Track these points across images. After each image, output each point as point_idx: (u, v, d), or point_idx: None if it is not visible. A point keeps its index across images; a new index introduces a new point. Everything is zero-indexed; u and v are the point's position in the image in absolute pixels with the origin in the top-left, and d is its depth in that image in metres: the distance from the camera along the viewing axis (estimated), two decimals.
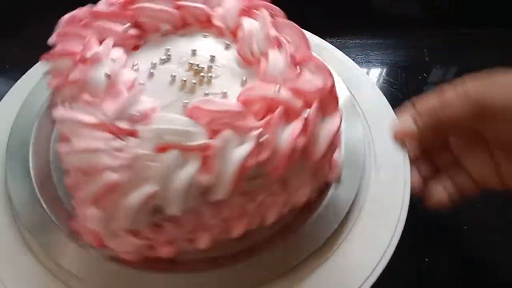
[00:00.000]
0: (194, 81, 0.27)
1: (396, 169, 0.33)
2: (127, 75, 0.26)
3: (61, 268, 0.27)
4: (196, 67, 0.28)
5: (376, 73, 0.56)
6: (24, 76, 0.37)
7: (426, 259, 0.38)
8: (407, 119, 0.34)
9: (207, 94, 0.27)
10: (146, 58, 0.29)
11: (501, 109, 0.30)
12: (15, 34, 0.55)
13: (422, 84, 0.55)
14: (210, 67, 0.28)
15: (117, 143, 0.23)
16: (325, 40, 0.45)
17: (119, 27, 0.29)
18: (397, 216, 0.30)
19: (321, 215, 0.30)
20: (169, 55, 0.29)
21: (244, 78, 0.28)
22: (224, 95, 0.27)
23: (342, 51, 0.44)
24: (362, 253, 0.29)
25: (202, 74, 0.28)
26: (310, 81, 0.27)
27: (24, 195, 0.30)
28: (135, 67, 0.28)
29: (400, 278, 0.36)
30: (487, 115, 0.30)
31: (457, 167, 0.35)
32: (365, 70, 0.56)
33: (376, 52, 0.58)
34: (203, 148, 0.23)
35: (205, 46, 0.30)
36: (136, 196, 0.22)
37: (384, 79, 0.55)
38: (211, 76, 0.28)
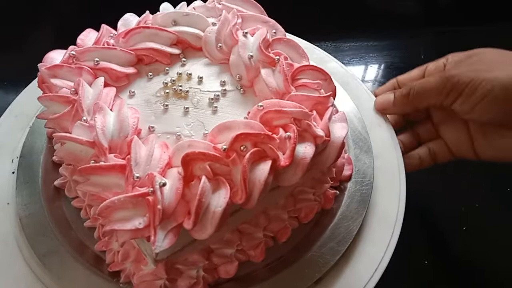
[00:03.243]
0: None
1: (392, 176, 0.35)
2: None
3: None
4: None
5: (372, 75, 0.57)
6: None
7: (426, 262, 0.39)
8: (387, 94, 0.37)
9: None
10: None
11: (466, 85, 0.32)
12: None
13: None
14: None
15: None
16: (320, 43, 0.46)
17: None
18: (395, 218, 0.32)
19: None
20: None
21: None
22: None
23: (337, 54, 0.44)
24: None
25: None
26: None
27: (35, 218, 0.30)
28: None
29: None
30: (454, 90, 0.32)
31: (436, 137, 0.37)
32: (360, 72, 0.57)
33: (371, 54, 0.59)
34: None
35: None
36: None
37: (379, 82, 0.55)
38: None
